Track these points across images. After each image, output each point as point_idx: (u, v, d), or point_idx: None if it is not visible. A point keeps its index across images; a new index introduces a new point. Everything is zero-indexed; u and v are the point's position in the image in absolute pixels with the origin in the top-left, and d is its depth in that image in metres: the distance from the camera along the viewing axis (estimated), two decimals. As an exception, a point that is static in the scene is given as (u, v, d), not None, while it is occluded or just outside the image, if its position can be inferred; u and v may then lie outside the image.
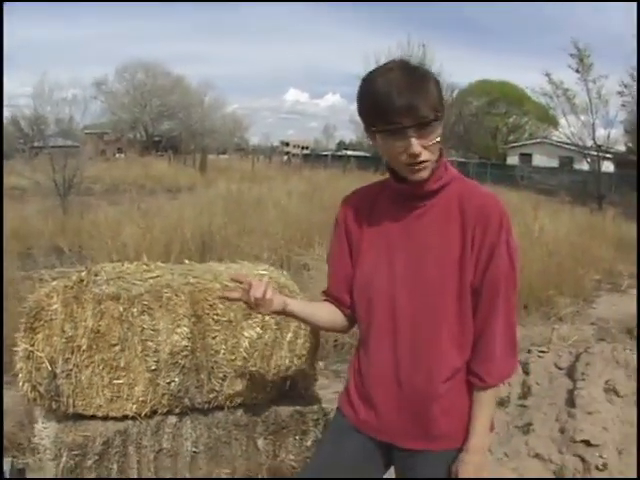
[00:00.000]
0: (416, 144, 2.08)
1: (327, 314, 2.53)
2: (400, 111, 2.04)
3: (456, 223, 2.22)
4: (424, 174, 2.17)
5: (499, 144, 58.62)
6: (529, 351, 5.07)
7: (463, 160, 50.09)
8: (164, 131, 74.78)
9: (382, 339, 2.31)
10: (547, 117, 48.48)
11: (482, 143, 58.13)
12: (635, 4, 25.48)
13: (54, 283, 3.02)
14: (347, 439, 2.44)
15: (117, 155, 59.03)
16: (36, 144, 36.11)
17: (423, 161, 2.13)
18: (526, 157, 50.77)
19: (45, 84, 28.28)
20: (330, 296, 2.52)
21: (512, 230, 2.23)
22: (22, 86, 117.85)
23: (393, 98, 2.03)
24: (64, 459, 2.94)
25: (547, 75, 29.72)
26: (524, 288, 8.95)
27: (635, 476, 3.66)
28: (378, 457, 2.41)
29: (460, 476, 2.24)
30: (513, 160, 52.35)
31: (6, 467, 3.78)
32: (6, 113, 65.16)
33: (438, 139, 2.14)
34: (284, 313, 2.44)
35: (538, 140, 52.70)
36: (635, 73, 27.76)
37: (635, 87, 28.05)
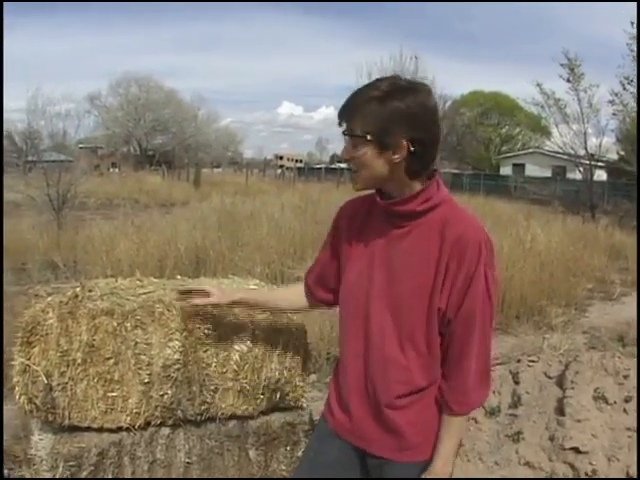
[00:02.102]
0: (344, 149, 2.26)
1: (292, 297, 2.82)
2: (340, 117, 2.23)
3: (434, 248, 2.22)
4: (356, 186, 2.33)
5: (492, 155, 58.68)
6: (519, 360, 5.09)
7: (457, 171, 50.25)
8: (158, 145, 74.70)
9: (355, 351, 2.38)
10: (539, 127, 48.60)
11: (475, 154, 58.28)
12: (635, 4, 25.61)
13: (49, 299, 3.07)
14: (328, 444, 2.51)
15: (111, 170, 58.89)
16: (30, 158, 36.00)
17: (354, 172, 2.28)
18: (519, 167, 50.88)
19: (38, 98, 28.23)
20: (306, 285, 2.72)
21: (492, 261, 2.25)
22: (15, 100, 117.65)
23: (344, 102, 2.21)
24: (60, 470, 2.98)
25: (538, 85, 29.78)
26: (516, 298, 9.05)
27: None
28: (357, 462, 2.47)
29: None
30: (506, 170, 52.42)
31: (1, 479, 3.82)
32: (-1, 127, 65.08)
33: (365, 157, 2.20)
34: (240, 303, 2.81)
35: (530, 150, 52.82)
36: (624, 81, 27.80)
37: (624, 95, 28.09)
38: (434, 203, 2.25)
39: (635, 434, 4.03)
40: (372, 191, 2.41)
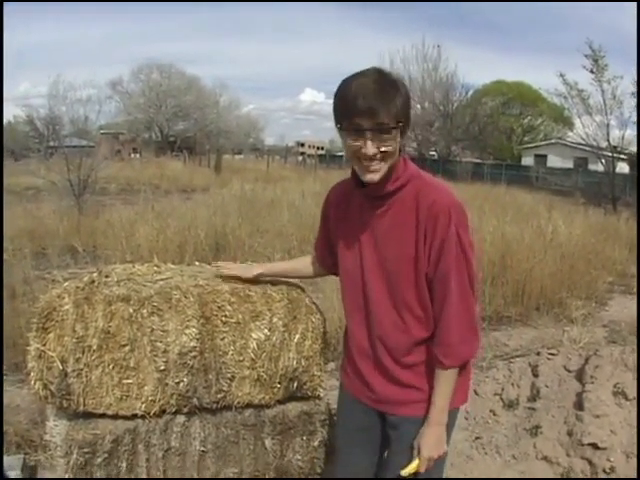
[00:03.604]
0: (370, 145, 2.28)
1: (305, 267, 3.16)
2: (361, 113, 2.24)
3: (412, 219, 2.45)
4: (375, 177, 2.38)
5: (514, 145, 58.38)
6: (538, 353, 5.07)
7: (478, 161, 50.02)
8: (179, 131, 75.03)
9: (359, 321, 2.69)
10: (562, 118, 48.42)
11: (497, 144, 58.00)
12: (635, 4, 25.41)
13: (66, 284, 3.05)
14: (352, 409, 2.85)
15: (132, 155, 59.13)
16: (51, 144, 36.13)
17: (376, 164, 2.35)
18: (541, 158, 50.55)
19: (60, 84, 28.30)
20: (318, 256, 3.03)
21: (464, 222, 2.46)
22: (36, 86, 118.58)
23: (358, 100, 2.23)
24: (74, 456, 2.96)
25: (561, 76, 29.61)
26: (536, 289, 9.01)
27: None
28: (378, 423, 2.79)
29: (422, 447, 2.53)
30: (528, 161, 52.14)
31: (18, 463, 3.82)
32: (21, 113, 65.50)
33: (393, 147, 2.35)
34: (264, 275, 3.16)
35: (553, 141, 52.48)
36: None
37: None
38: (405, 180, 2.49)
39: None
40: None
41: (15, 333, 6.31)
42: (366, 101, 2.23)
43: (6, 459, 4.05)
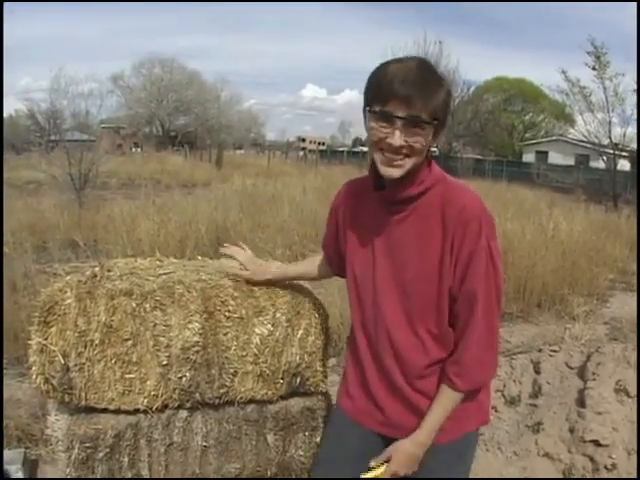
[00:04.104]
0: (399, 136, 2.06)
1: (316, 268, 2.97)
2: (396, 99, 2.03)
3: (438, 228, 2.22)
4: (395, 173, 2.14)
5: (515, 141, 58.47)
6: (540, 350, 5.08)
7: (479, 157, 50.09)
8: (180, 126, 75.26)
9: (369, 339, 2.44)
10: (563, 115, 48.46)
11: (498, 140, 58.11)
12: (635, 4, 25.43)
13: (68, 278, 3.05)
14: (348, 434, 2.55)
15: (133, 150, 59.19)
16: (52, 138, 36.19)
17: (399, 159, 2.12)
18: (542, 155, 50.60)
19: (62, 78, 28.36)
20: (327, 256, 2.84)
21: (494, 232, 2.24)
22: (38, 80, 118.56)
23: (395, 84, 2.03)
24: (76, 451, 2.96)
25: (563, 72, 29.65)
26: (537, 286, 9.04)
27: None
28: (380, 450, 2.40)
29: (393, 461, 2.29)
30: (529, 158, 52.19)
31: (19, 457, 3.82)
32: (22, 107, 65.54)
33: (422, 144, 2.11)
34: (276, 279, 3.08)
35: (554, 138, 52.53)
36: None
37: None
38: (430, 184, 2.24)
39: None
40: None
41: (16, 327, 6.32)
42: (404, 87, 2.03)
43: (7, 453, 4.06)
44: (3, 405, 3.04)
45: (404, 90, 2.02)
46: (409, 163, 2.13)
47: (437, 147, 57.16)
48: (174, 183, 25.18)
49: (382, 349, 2.38)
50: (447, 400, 2.29)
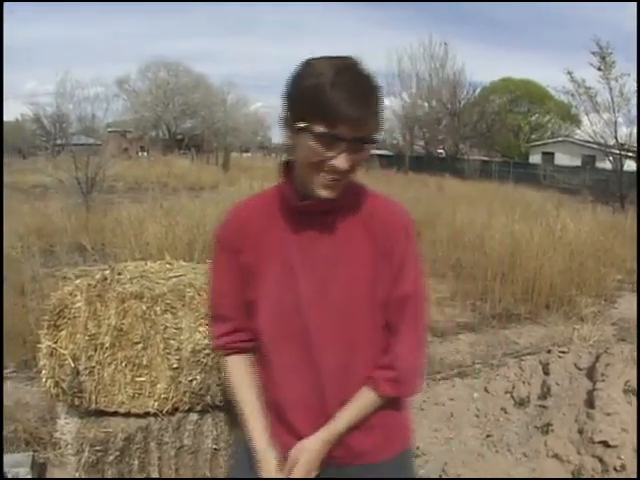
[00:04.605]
0: (345, 159, 1.88)
1: (250, 379, 2.22)
2: (345, 121, 1.82)
3: (363, 240, 2.07)
4: (335, 193, 1.96)
5: (521, 143, 58.39)
6: (549, 351, 5.09)
7: (486, 159, 50.03)
8: (186, 129, 75.33)
9: (296, 371, 2.12)
10: (569, 116, 48.43)
11: (504, 142, 58.03)
12: (635, 4, 25.44)
13: (78, 281, 3.07)
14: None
15: (140, 153, 59.29)
16: (59, 142, 36.25)
17: (339, 180, 1.93)
18: (548, 156, 50.47)
19: (68, 82, 28.43)
20: (238, 341, 2.21)
21: (415, 239, 2.13)
22: (44, 84, 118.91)
23: (343, 106, 1.81)
24: (86, 454, 2.98)
25: (569, 73, 29.57)
26: (545, 287, 9.04)
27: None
28: None
29: (302, 464, 2.07)
30: (535, 159, 52.06)
31: (27, 460, 3.83)
32: (28, 111, 65.68)
33: (364, 160, 1.97)
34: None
35: (560, 139, 52.44)
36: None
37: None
38: (354, 192, 2.09)
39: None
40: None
41: (24, 330, 6.35)
42: (354, 108, 1.82)
43: (15, 456, 4.07)
44: (3, 408, 3.03)
45: (354, 112, 1.82)
46: (345, 182, 1.97)
47: (444, 149, 57.25)
48: (181, 186, 25.07)
49: (316, 379, 2.10)
50: (367, 404, 2.12)
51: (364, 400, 2.11)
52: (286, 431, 2.15)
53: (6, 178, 28.06)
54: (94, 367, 2.91)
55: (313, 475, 2.09)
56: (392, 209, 2.14)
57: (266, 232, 2.11)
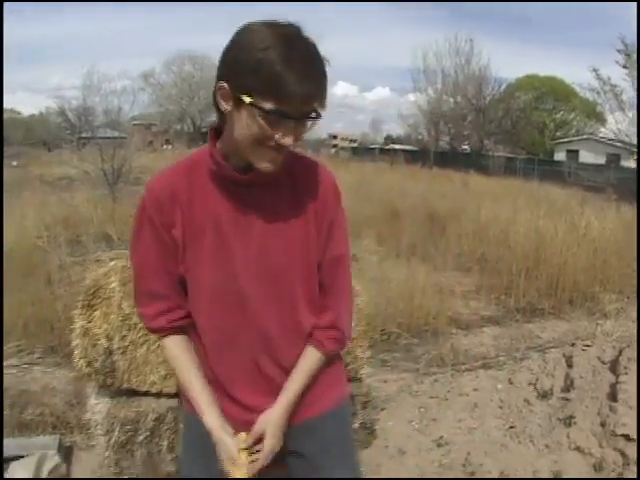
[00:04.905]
0: (290, 136, 1.84)
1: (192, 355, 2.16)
2: (295, 98, 1.76)
3: (294, 204, 2.07)
4: (272, 167, 1.91)
5: (546, 140, 58.09)
6: (573, 344, 5.10)
7: (511, 155, 49.81)
8: (211, 123, 75.54)
9: (233, 335, 2.10)
10: (594, 113, 48.13)
11: (529, 139, 57.74)
12: (635, 4, 25.28)
13: (112, 263, 3.12)
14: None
15: (165, 146, 59.43)
16: (84, 135, 36.42)
17: (281, 154, 1.90)
18: (573, 153, 50.21)
19: (94, 75, 28.59)
20: (176, 319, 2.12)
21: (341, 200, 2.16)
22: (69, 78, 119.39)
23: (292, 83, 1.73)
24: (116, 434, 3.03)
25: (594, 71, 29.46)
26: (569, 283, 9.03)
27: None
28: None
29: (269, 436, 2.07)
30: (560, 156, 51.79)
31: (54, 443, 3.89)
32: (53, 104, 66.08)
33: (305, 133, 1.96)
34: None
35: (585, 137, 52.13)
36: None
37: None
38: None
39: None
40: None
41: (52, 317, 6.45)
42: (304, 86, 1.75)
43: (42, 439, 4.14)
44: (3, 397, 3.08)
45: (306, 90, 1.77)
46: (284, 156, 1.94)
47: (469, 145, 57.05)
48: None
49: (253, 348, 2.11)
50: (315, 364, 2.16)
51: (312, 361, 2.15)
52: (231, 404, 2.15)
53: (33, 170, 28.37)
54: (127, 347, 2.95)
55: (278, 448, 2.09)
56: (317, 170, 2.13)
57: (197, 204, 2.01)
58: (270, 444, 2.07)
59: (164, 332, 2.12)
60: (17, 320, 6.51)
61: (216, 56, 1.91)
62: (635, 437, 3.86)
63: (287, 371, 2.14)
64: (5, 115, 79.75)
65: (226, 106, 1.85)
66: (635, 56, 27.73)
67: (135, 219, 2.05)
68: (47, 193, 16.87)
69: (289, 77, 1.71)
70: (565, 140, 55.04)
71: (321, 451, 2.20)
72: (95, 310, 2.97)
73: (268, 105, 1.75)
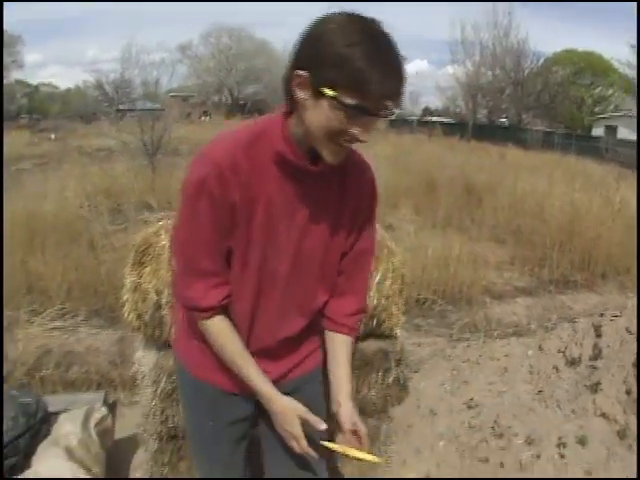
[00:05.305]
0: (367, 132, 1.88)
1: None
2: (382, 96, 1.80)
3: (339, 196, 2.16)
4: (342, 158, 1.98)
5: (585, 115, 57.39)
6: (602, 314, 5.14)
7: (549, 130, 49.26)
8: (249, 94, 75.23)
9: (259, 309, 2.22)
10: (633, 89, 47.45)
11: (567, 113, 57.07)
12: (635, 4, 24.92)
13: (161, 222, 3.26)
14: (225, 404, 2.39)
15: (202, 118, 59.56)
16: (121, 107, 36.57)
17: (351, 146, 1.95)
18: (611, 129, 49.53)
19: (132, 48, 28.74)
20: (225, 297, 2.15)
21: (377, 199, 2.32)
22: (104, 52, 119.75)
23: (380, 81, 1.76)
24: (162, 384, 3.14)
25: (632, 47, 29.11)
26: (602, 257, 9.02)
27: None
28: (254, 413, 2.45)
29: (359, 426, 2.24)
30: (598, 132, 51.03)
31: (99, 398, 4.05)
32: (90, 78, 66.43)
33: None
34: None
35: (622, 113, 51.37)
36: None
37: None
38: None
39: None
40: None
41: (96, 281, 6.64)
42: (390, 84, 1.80)
43: (88, 395, 4.30)
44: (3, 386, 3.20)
45: (390, 89, 1.81)
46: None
47: (507, 118, 56.56)
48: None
49: (273, 322, 2.25)
50: (351, 347, 2.39)
51: (349, 346, 2.38)
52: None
53: (71, 142, 28.63)
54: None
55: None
56: (364, 168, 2.24)
57: (254, 181, 2.01)
58: (363, 428, 2.24)
59: (214, 312, 2.14)
60: (61, 284, 6.73)
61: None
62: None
63: (289, 342, 2.33)
64: (42, 89, 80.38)
65: (303, 95, 1.87)
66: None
67: (190, 193, 2.00)
68: (86, 164, 17.02)
69: (373, 75, 1.74)
70: (603, 116, 54.27)
71: (305, 405, 2.29)
72: (145, 267, 3.09)
73: (350, 100, 1.77)
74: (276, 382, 2.27)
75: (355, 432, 2.23)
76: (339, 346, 2.35)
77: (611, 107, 58.17)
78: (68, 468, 3.27)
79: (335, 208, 2.16)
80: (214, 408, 2.40)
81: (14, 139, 30.95)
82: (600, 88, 59.83)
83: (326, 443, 2.24)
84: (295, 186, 2.05)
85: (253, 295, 2.17)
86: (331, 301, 2.37)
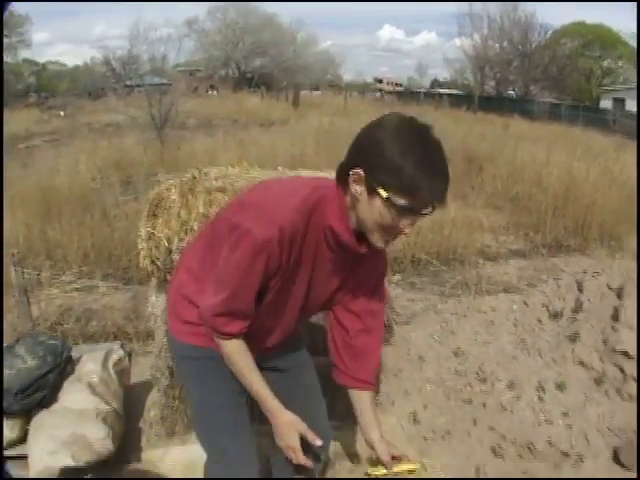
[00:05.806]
0: (412, 227, 2.09)
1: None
2: (428, 200, 2.00)
3: (362, 266, 2.48)
4: (384, 246, 2.21)
5: (593, 87, 57.08)
6: (585, 272, 5.32)
7: (556, 102, 48.98)
8: (256, 68, 74.68)
9: (264, 332, 2.51)
10: (639, 62, 47.13)
11: (576, 85, 56.72)
12: (635, 4, 24.79)
13: (172, 180, 3.63)
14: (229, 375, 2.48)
15: (210, 92, 59.51)
16: (129, 83, 36.59)
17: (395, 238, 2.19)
18: (619, 102, 49.28)
19: (140, 25, 28.79)
20: (245, 328, 2.35)
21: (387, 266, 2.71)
22: (111, 28, 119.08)
23: (431, 187, 1.97)
24: (172, 323, 3.50)
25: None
26: (596, 223, 9.22)
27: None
28: None
29: (381, 454, 2.64)
30: (606, 104, 50.74)
31: (116, 347, 4.40)
32: (97, 54, 66.25)
33: None
34: None
35: (631, 86, 51.07)
36: None
37: None
38: None
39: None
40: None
41: (110, 246, 7.03)
42: (438, 189, 2.00)
43: (106, 344, 4.64)
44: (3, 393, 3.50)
45: (435, 193, 2.00)
46: None
47: (514, 90, 56.28)
48: (251, 122, 25.39)
49: (274, 336, 2.56)
50: (373, 399, 2.77)
51: (373, 396, 2.78)
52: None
53: (80, 119, 28.83)
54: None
55: None
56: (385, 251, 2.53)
57: (306, 247, 2.22)
58: (397, 450, 2.71)
59: (233, 337, 2.32)
60: (78, 250, 7.15)
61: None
62: (634, 355, 4.10)
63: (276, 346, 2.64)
64: (49, 67, 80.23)
65: (358, 189, 2.06)
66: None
67: (251, 249, 2.10)
68: (96, 139, 17.30)
69: (423, 182, 1.93)
70: (612, 88, 53.88)
71: (292, 365, 2.81)
72: (158, 218, 3.39)
73: (401, 201, 1.96)
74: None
75: (394, 457, 2.61)
76: (365, 398, 2.69)
77: (620, 79, 57.81)
78: (91, 401, 3.66)
79: (350, 268, 2.44)
80: (222, 374, 2.48)
81: (24, 117, 31.26)
82: (609, 60, 59.43)
83: (375, 473, 2.61)
84: (332, 255, 2.30)
85: (257, 322, 2.38)
86: (352, 360, 2.66)
